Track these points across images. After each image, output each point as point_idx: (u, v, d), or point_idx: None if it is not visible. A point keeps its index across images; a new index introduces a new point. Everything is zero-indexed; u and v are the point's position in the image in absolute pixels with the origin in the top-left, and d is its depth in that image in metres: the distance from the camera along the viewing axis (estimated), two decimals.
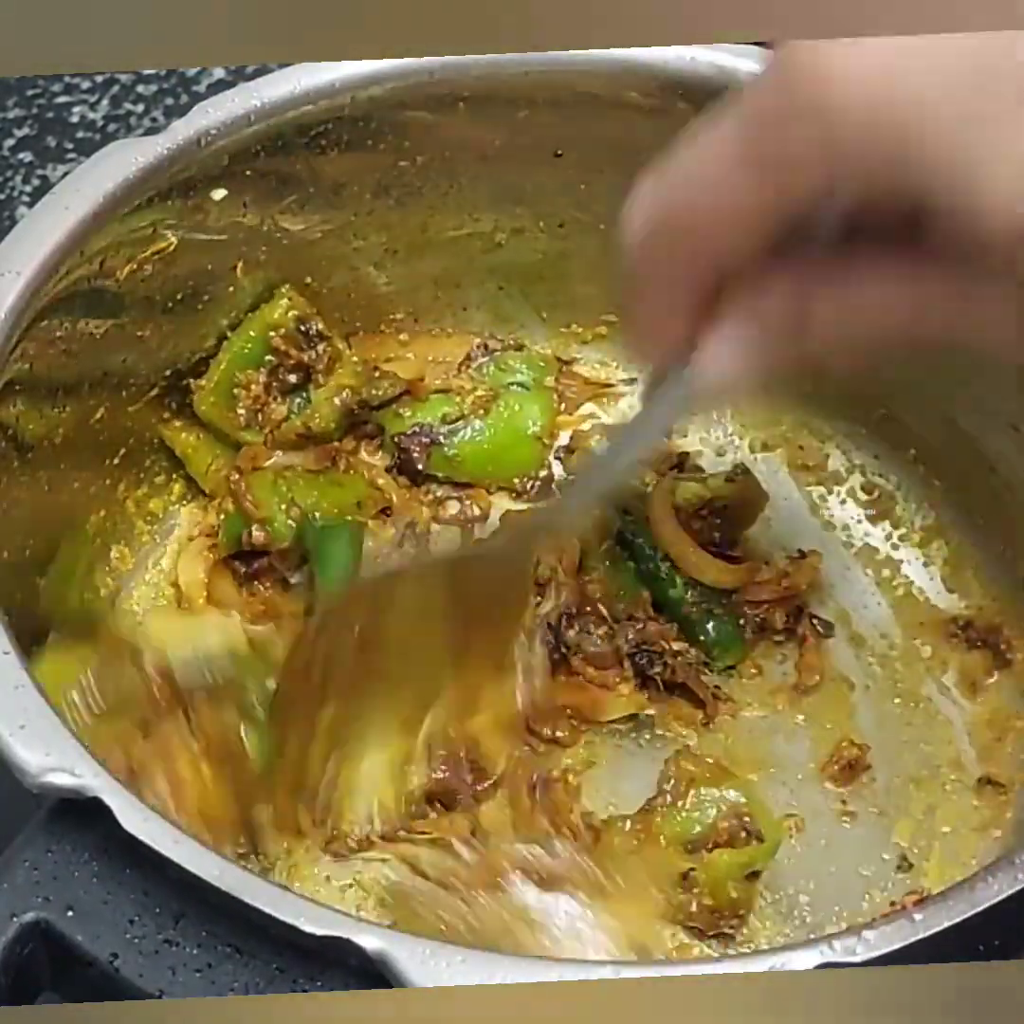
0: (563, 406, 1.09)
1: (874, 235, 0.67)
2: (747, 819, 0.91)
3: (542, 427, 1.07)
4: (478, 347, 1.09)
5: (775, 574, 1.01)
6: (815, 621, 1.01)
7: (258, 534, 0.98)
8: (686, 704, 0.98)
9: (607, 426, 1.09)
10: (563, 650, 0.96)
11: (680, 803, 0.92)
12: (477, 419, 1.06)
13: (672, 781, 0.93)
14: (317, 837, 0.91)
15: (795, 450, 1.08)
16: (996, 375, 0.96)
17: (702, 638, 0.99)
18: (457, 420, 1.06)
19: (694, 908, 0.89)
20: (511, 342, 1.09)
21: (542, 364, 1.09)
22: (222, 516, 1.01)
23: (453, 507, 1.05)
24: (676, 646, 0.97)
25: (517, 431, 1.07)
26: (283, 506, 0.99)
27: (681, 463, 1.05)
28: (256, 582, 1.00)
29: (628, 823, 0.92)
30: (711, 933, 0.89)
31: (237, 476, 1.00)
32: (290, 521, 0.98)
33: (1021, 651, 0.99)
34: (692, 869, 0.89)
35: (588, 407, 1.10)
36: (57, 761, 0.71)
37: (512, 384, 1.08)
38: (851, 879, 0.92)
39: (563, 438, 1.09)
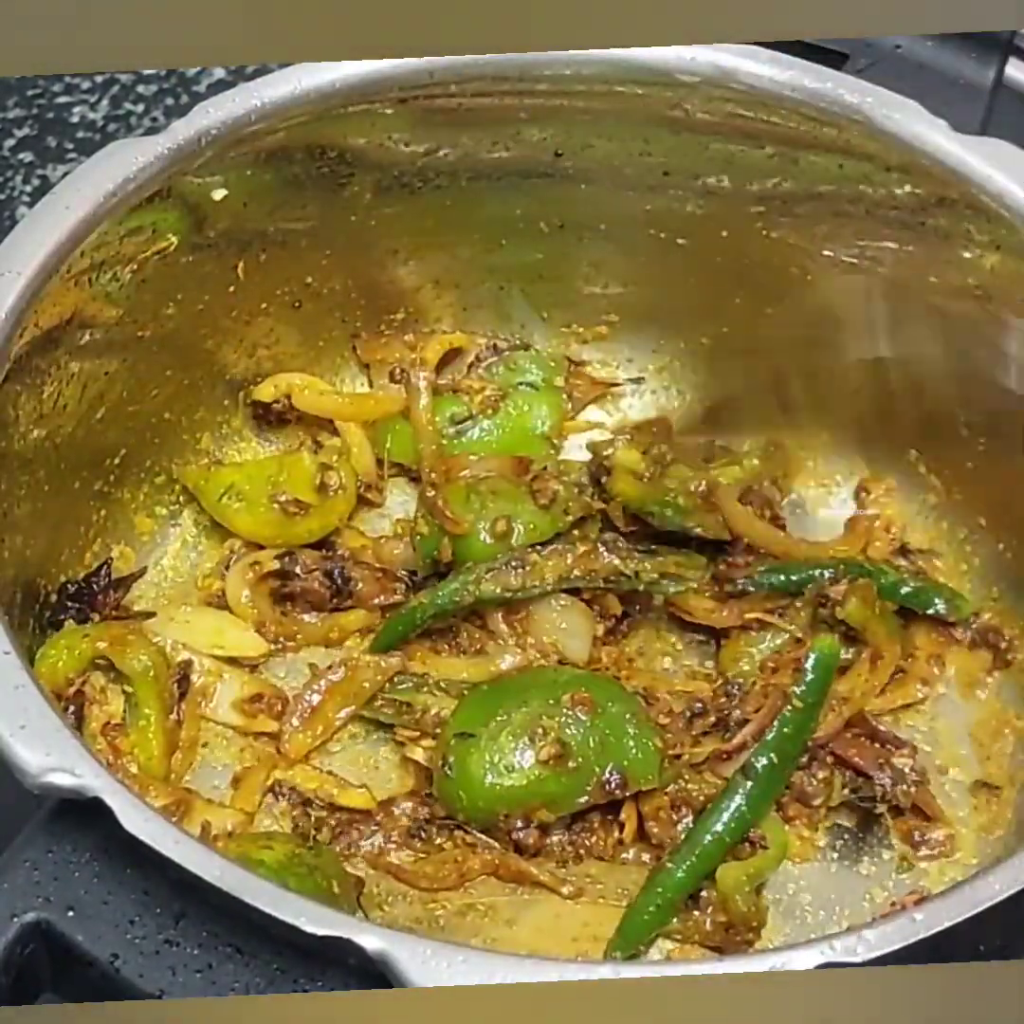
0: (571, 407, 1.09)
1: None
2: (753, 828, 0.91)
3: (551, 427, 1.07)
4: (487, 347, 1.09)
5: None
6: None
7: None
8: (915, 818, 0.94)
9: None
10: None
11: None
12: (485, 418, 1.06)
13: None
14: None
15: (795, 450, 1.08)
16: (996, 376, 0.96)
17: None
18: (465, 420, 1.06)
19: (708, 927, 0.88)
20: (517, 342, 1.09)
21: (552, 364, 1.09)
22: (417, 538, 0.98)
23: None
24: (900, 762, 0.94)
25: (525, 431, 1.07)
26: (486, 523, 0.97)
27: (711, 454, 1.05)
28: (288, 603, 1.00)
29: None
30: (729, 951, 0.88)
31: (433, 491, 0.99)
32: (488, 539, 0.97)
33: (1021, 651, 0.99)
34: (700, 890, 0.89)
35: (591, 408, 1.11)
36: (57, 761, 0.71)
37: (521, 384, 1.07)
38: (851, 879, 0.92)
39: (571, 439, 1.08)
